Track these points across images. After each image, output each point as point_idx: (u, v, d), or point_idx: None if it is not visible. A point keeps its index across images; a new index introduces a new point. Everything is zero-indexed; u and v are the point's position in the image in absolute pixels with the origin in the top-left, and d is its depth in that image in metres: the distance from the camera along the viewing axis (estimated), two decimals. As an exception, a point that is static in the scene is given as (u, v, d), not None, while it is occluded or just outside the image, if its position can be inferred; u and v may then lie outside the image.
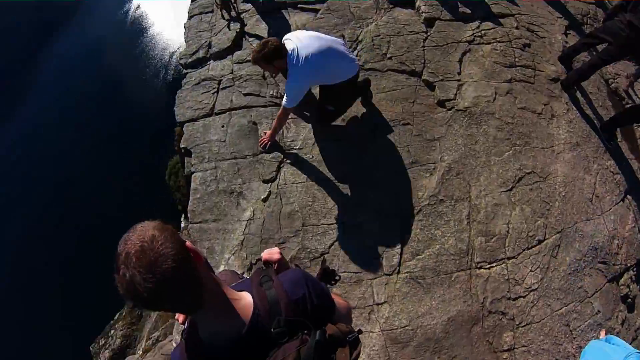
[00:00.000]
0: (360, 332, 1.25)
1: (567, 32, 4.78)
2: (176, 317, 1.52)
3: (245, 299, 1.14)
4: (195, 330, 1.11)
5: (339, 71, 3.15)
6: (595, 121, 4.10)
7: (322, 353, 1.09)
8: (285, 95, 3.10)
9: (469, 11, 4.65)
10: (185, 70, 5.30)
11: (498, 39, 4.34)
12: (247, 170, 3.67)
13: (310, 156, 3.54)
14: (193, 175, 3.86)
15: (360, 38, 4.46)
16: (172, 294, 0.91)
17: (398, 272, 3.02)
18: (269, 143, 3.66)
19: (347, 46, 3.33)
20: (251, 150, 3.79)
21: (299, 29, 4.61)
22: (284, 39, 3.14)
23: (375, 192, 3.32)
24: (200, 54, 5.28)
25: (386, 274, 3.01)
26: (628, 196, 3.86)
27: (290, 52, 2.97)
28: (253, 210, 3.42)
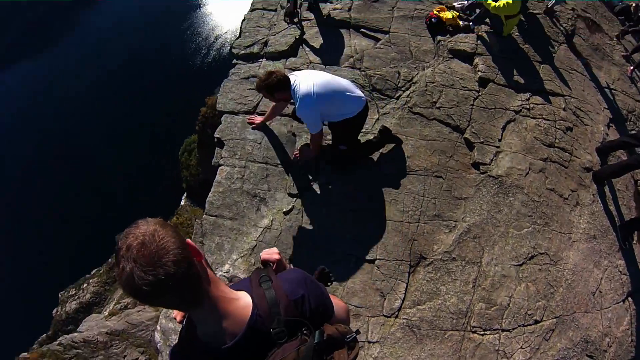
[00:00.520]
0: (358, 332, 1.28)
1: (610, 124, 4.83)
2: (174, 315, 1.52)
3: (244, 299, 1.14)
4: (194, 329, 1.10)
5: (343, 104, 3.21)
6: (616, 218, 4.15)
7: (321, 353, 1.11)
8: (307, 123, 3.26)
9: (522, 81, 4.72)
10: (235, 60, 5.40)
11: (544, 116, 4.41)
12: (276, 178, 3.75)
13: (341, 184, 3.62)
14: (220, 168, 3.93)
15: (414, 80, 4.54)
16: (171, 289, 0.90)
17: (396, 317, 3.10)
18: (304, 160, 3.75)
19: (354, 84, 3.40)
20: (284, 159, 3.88)
21: (353, 53, 4.71)
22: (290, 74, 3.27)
23: (394, 235, 3.40)
24: (255, 49, 5.37)
25: (385, 315, 3.09)
26: (630, 298, 3.90)
27: (292, 84, 3.09)
28: (272, 220, 3.50)
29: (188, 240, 1.01)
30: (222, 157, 4.00)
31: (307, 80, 3.08)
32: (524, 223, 3.69)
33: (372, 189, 3.62)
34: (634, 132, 4.62)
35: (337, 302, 1.41)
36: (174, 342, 1.38)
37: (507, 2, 4.73)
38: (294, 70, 4.87)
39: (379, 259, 3.26)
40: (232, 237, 3.46)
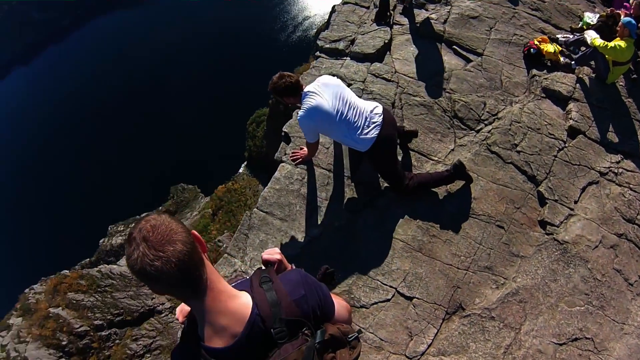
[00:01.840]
0: (360, 332, 1.24)
1: None
2: (177, 315, 1.52)
3: (244, 298, 1.12)
4: (195, 329, 1.09)
5: (344, 138, 3.12)
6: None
7: (323, 353, 1.09)
8: (303, 132, 3.23)
9: (616, 140, 4.18)
10: (318, 53, 5.20)
11: (631, 186, 3.88)
12: (337, 189, 3.62)
13: (400, 211, 3.42)
14: (282, 165, 3.85)
15: (500, 115, 4.15)
16: (177, 270, 0.92)
17: (419, 360, 2.94)
18: (299, 160, 3.66)
19: (369, 119, 3.09)
20: (348, 171, 3.71)
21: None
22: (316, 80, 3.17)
23: (439, 277, 3.20)
24: (341, 45, 5.14)
25: (407, 356, 2.94)
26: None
27: (305, 91, 3.02)
28: (322, 232, 3.39)
29: (193, 231, 1.04)
30: (285, 154, 3.92)
31: (322, 97, 2.99)
32: (578, 300, 3.32)
33: (429, 223, 3.40)
34: None
35: (339, 302, 1.38)
36: None
37: (618, 45, 4.13)
38: (377, 76, 4.62)
39: (417, 298, 3.09)
40: (278, 237, 3.40)
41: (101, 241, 25.38)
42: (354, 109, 3.07)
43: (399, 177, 3.31)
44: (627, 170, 3.99)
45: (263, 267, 1.39)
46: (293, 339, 1.08)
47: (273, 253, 1.48)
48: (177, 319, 1.52)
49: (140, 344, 11.40)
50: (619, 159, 4.05)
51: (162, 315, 12.09)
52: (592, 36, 4.30)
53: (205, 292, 1.02)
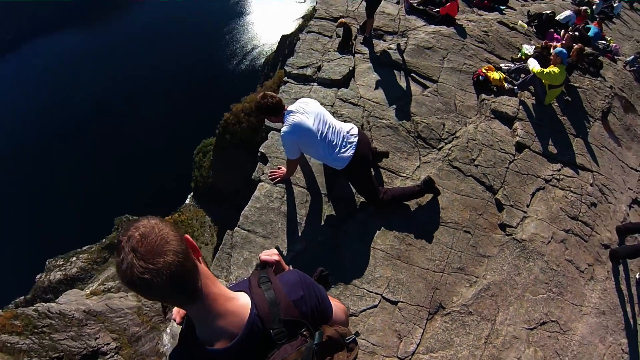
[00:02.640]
0: (357, 334, 1.30)
1: (632, 205, 4.96)
2: (173, 316, 1.53)
3: (242, 299, 1.13)
4: (193, 330, 1.10)
5: (323, 153, 3.34)
6: (626, 298, 4.26)
7: (321, 354, 1.11)
8: (284, 149, 3.41)
9: (556, 151, 4.89)
10: (286, 79, 5.60)
11: (572, 189, 4.56)
12: (316, 206, 3.89)
13: (378, 224, 3.80)
14: (261, 184, 4.05)
15: (457, 134, 4.73)
16: (169, 280, 0.89)
17: (410, 360, 3.26)
18: (278, 179, 3.93)
19: (346, 139, 3.40)
20: (326, 189, 4.04)
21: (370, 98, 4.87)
22: (298, 101, 3.41)
23: (419, 281, 3.57)
24: (309, 71, 5.58)
25: (399, 357, 3.24)
26: (626, 377, 4.00)
27: (288, 110, 3.24)
28: (305, 247, 3.63)
29: (186, 235, 1.01)
30: (263, 174, 4.15)
31: (302, 116, 3.20)
32: (540, 289, 3.84)
33: (404, 233, 3.80)
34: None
35: (335, 304, 1.41)
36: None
37: (552, 71, 4.92)
38: (344, 101, 5.07)
39: (401, 302, 3.43)
40: None
41: (38, 277, 23.39)
42: (332, 128, 3.33)
43: (374, 192, 3.66)
44: (567, 176, 4.70)
45: (260, 268, 1.40)
46: (292, 339, 1.09)
47: (271, 254, 1.49)
48: (174, 320, 1.54)
49: None
50: (559, 167, 4.77)
51: (107, 356, 11.17)
52: (532, 64, 5.10)
53: (201, 297, 1.01)
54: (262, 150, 4.38)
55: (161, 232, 0.92)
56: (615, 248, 4.37)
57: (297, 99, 5.04)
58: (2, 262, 30.88)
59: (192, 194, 27.76)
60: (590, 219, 4.46)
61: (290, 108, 3.30)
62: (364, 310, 3.36)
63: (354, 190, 4.00)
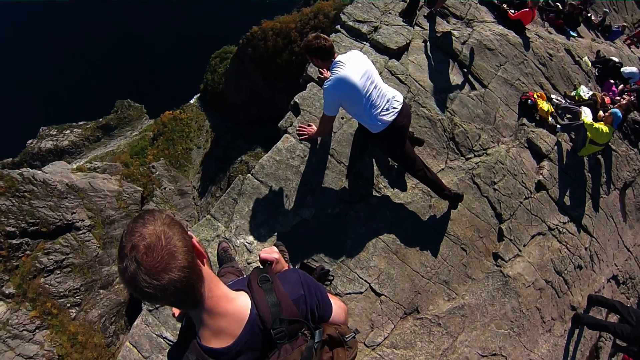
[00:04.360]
0: (357, 332, 1.40)
1: (610, 280, 5.39)
2: (173, 311, 1.57)
3: (243, 299, 1.17)
4: (193, 329, 1.13)
5: (364, 112, 3.25)
6: (570, 358, 4.75)
7: (321, 353, 1.16)
8: (323, 99, 3.27)
9: (568, 204, 5.13)
10: (339, 28, 5.37)
11: (568, 245, 4.87)
12: (334, 176, 3.91)
13: (388, 213, 3.92)
14: (286, 136, 3.97)
15: (489, 151, 4.82)
16: (173, 293, 0.92)
17: (373, 349, 3.53)
18: (305, 137, 3.87)
19: (390, 103, 3.30)
20: (350, 161, 4.05)
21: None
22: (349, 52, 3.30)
23: (406, 280, 3.79)
24: (364, 28, 5.34)
25: (365, 344, 3.50)
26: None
27: (336, 60, 3.13)
28: (313, 215, 3.68)
29: (193, 240, 1.02)
30: (291, 125, 4.06)
31: (351, 69, 3.07)
32: (504, 324, 4.19)
33: (410, 231, 3.94)
34: (624, 297, 5.19)
35: (336, 302, 1.45)
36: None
37: (602, 129, 5.04)
38: (392, 74, 4.96)
39: (385, 296, 3.64)
40: (268, 210, 3.58)
41: (29, 142, 23.46)
42: (378, 89, 3.22)
43: (408, 160, 3.64)
44: (569, 232, 4.99)
45: (261, 266, 1.43)
46: (292, 339, 1.14)
47: (271, 252, 1.51)
48: (173, 314, 1.58)
49: (51, 259, 10.84)
50: (566, 220, 5.03)
51: (80, 232, 11.60)
52: (585, 114, 5.18)
53: (203, 302, 1.04)
54: (297, 100, 4.23)
55: (168, 244, 0.91)
56: (580, 313, 4.79)
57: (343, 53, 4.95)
58: None
59: (198, 95, 27.24)
60: (571, 279, 4.82)
61: (339, 58, 3.15)
62: (350, 293, 3.54)
63: (376, 173, 4.05)
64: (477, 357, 3.97)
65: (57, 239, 11.22)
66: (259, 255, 1.50)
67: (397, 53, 5.23)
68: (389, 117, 3.28)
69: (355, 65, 3.12)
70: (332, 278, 2.98)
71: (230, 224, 3.50)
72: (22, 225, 10.75)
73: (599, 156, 5.73)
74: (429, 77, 5.21)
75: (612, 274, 5.41)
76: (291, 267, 1.55)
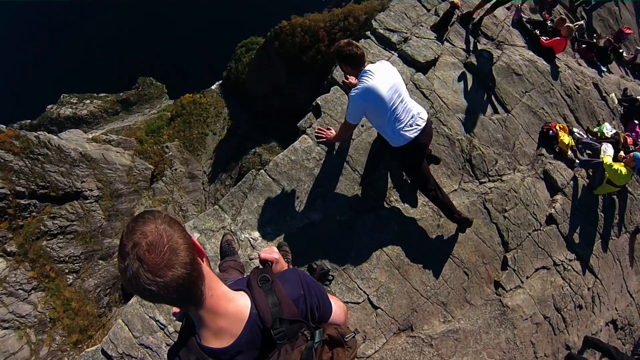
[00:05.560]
0: (357, 332, 1.39)
1: (609, 324, 5.31)
2: (173, 310, 1.57)
3: (242, 299, 1.17)
4: (193, 329, 1.13)
5: (387, 125, 3.23)
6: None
7: (321, 353, 1.16)
8: (347, 107, 3.26)
9: (577, 241, 5.07)
10: (369, 34, 5.35)
11: (571, 284, 4.80)
12: (347, 182, 3.90)
13: (396, 227, 3.89)
14: (304, 136, 3.98)
15: (504, 178, 4.76)
16: (174, 291, 0.93)
17: (361, 360, 3.51)
18: (323, 140, 3.85)
19: (414, 120, 3.28)
20: (364, 169, 4.03)
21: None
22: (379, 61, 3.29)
23: (404, 297, 3.76)
24: (394, 38, 5.33)
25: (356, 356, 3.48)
26: None
27: (366, 69, 3.11)
28: (321, 219, 3.68)
29: (193, 238, 1.03)
30: (310, 126, 4.04)
31: (380, 80, 3.06)
32: (496, 354, 4.14)
33: (415, 248, 3.92)
34: (620, 342, 5.11)
35: (335, 303, 1.45)
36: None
37: (621, 170, 4.96)
38: (417, 87, 4.93)
39: (381, 309, 3.62)
40: (277, 208, 3.58)
41: (49, 107, 23.99)
42: (404, 103, 3.21)
43: (422, 179, 3.63)
44: (574, 270, 4.91)
45: (260, 266, 1.42)
46: (292, 339, 1.13)
47: (271, 252, 1.52)
48: (174, 313, 1.59)
49: (56, 223, 11.04)
50: (572, 258, 4.96)
51: (87, 201, 11.83)
52: (607, 152, 5.10)
53: (203, 301, 1.05)
54: (319, 102, 4.23)
55: (170, 241, 0.92)
56: (574, 354, 4.72)
57: (371, 62, 4.91)
58: (20, 81, 30.57)
59: (220, 82, 27.52)
60: (569, 318, 4.76)
61: (369, 67, 3.13)
62: (347, 302, 3.52)
63: (389, 185, 4.02)
64: (465, 383, 3.93)
65: (64, 205, 11.40)
66: (259, 255, 1.50)
67: (424, 67, 5.20)
68: (412, 134, 3.26)
69: (384, 76, 3.11)
70: (332, 278, 2.96)
71: (237, 217, 3.50)
72: (32, 187, 10.93)
73: (614, 196, 5.64)
74: (453, 95, 5.17)
75: (611, 318, 5.33)
76: (291, 267, 1.55)
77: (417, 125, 3.29)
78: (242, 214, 3.51)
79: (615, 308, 5.42)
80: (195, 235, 3.36)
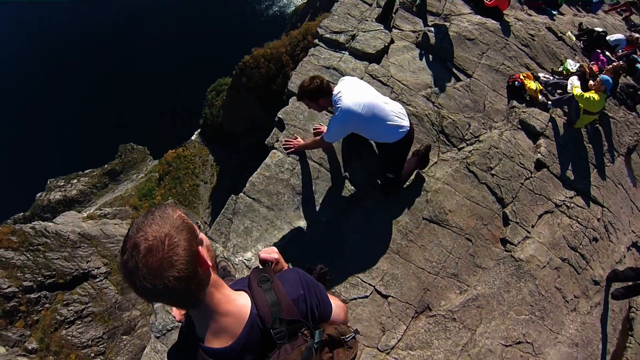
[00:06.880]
0: (357, 332, 1.37)
1: (631, 248, 5.19)
2: (173, 313, 1.59)
3: (242, 299, 1.17)
4: (193, 329, 1.13)
5: (379, 131, 3.35)
6: (600, 335, 4.55)
7: (321, 353, 1.17)
8: (327, 127, 3.33)
9: (573, 178, 5.03)
10: (317, 41, 5.47)
11: (579, 220, 4.73)
12: (325, 184, 3.93)
13: (383, 214, 3.89)
14: (273, 152, 4.05)
15: (481, 138, 4.77)
16: (168, 297, 0.94)
17: (388, 353, 3.45)
18: (292, 150, 3.93)
19: (400, 111, 3.45)
20: (340, 168, 4.07)
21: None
22: (340, 80, 3.39)
23: (413, 279, 3.73)
24: (342, 38, 5.44)
25: (378, 349, 3.43)
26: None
27: (335, 93, 3.19)
28: (308, 225, 3.69)
29: (199, 248, 1.01)
30: (277, 141, 4.13)
31: (353, 95, 3.15)
32: (524, 310, 4.06)
33: (410, 229, 3.90)
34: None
35: (335, 302, 1.46)
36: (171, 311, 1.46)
37: (593, 97, 4.96)
38: (374, 77, 5.01)
39: (392, 297, 3.58)
40: (263, 226, 3.63)
41: (38, 195, 24.34)
42: (385, 104, 3.34)
43: (400, 175, 3.75)
44: (577, 206, 4.85)
45: (260, 266, 1.43)
46: (292, 339, 1.13)
47: (271, 252, 1.53)
48: (174, 317, 1.61)
49: (71, 310, 11.03)
50: (572, 194, 4.91)
51: (97, 280, 11.84)
52: (574, 84, 5.11)
53: (204, 302, 1.05)
54: (281, 116, 4.31)
55: (170, 250, 0.91)
56: (617, 271, 4.59)
57: (325, 66, 5.03)
58: (4, 177, 31.37)
59: (199, 130, 28.00)
60: (588, 253, 4.66)
61: (338, 89, 3.23)
62: (355, 299, 3.50)
63: (367, 175, 4.04)
64: (501, 347, 3.84)
65: (75, 289, 11.43)
66: (259, 256, 1.51)
67: (376, 57, 5.30)
68: (406, 122, 3.43)
69: (356, 94, 3.19)
70: (331, 278, 2.93)
71: (227, 244, 3.53)
72: (39, 278, 11.00)
73: (597, 125, 5.61)
74: (411, 75, 5.24)
75: (630, 242, 5.22)
76: (290, 266, 1.55)
77: (402, 120, 3.42)
78: (231, 238, 3.55)
79: (632, 231, 5.31)
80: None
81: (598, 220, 4.92)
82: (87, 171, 26.94)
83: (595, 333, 4.49)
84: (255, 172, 3.92)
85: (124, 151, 27.34)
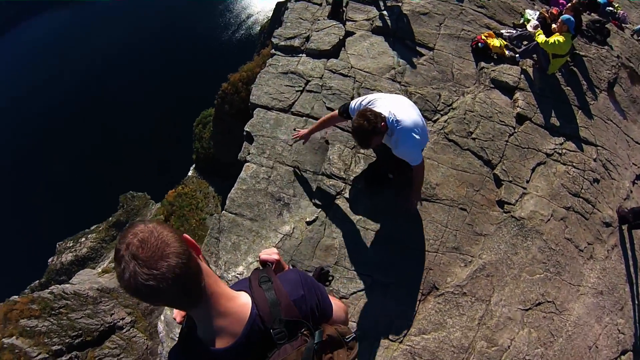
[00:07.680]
0: (357, 332, 1.36)
1: (636, 181, 4.96)
2: (174, 316, 1.55)
3: (243, 299, 1.16)
4: (193, 329, 1.12)
5: (425, 138, 3.11)
6: (624, 278, 4.30)
7: (321, 354, 1.14)
8: (411, 156, 3.07)
9: (558, 124, 4.84)
10: (274, 51, 5.43)
11: (574, 164, 4.53)
12: (304, 185, 3.86)
13: (368, 202, 3.75)
14: (247, 165, 4.02)
15: (454, 105, 4.64)
16: (173, 283, 0.91)
17: (400, 342, 3.27)
18: (302, 140, 3.74)
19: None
20: (314, 166, 3.98)
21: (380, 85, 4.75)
22: (372, 104, 3.01)
23: (412, 262, 3.56)
24: (296, 42, 5.40)
25: (390, 339, 3.25)
26: (622, 356, 4.08)
27: (389, 120, 2.86)
28: (293, 228, 3.62)
29: (185, 235, 1.03)
30: (249, 154, 4.08)
31: (404, 115, 2.91)
32: (537, 269, 3.85)
33: (397, 212, 3.73)
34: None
35: (335, 303, 1.45)
36: (177, 335, 1.43)
37: (557, 40, 4.81)
38: (334, 72, 4.92)
39: (393, 284, 3.41)
40: (250, 238, 3.57)
41: (50, 260, 24.58)
42: (414, 107, 3.13)
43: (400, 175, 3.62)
44: (570, 151, 4.66)
45: (261, 267, 1.42)
46: (292, 339, 1.12)
47: (271, 253, 1.51)
48: (175, 319, 1.55)
49: None
50: (562, 140, 4.72)
51: (124, 330, 11.87)
52: (536, 31, 4.97)
53: (204, 298, 1.04)
54: (248, 129, 4.29)
55: (160, 235, 0.93)
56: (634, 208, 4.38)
57: (283, 72, 4.95)
58: (15, 250, 31.95)
59: (194, 165, 28.16)
60: (592, 196, 4.45)
61: (395, 117, 2.87)
62: (355, 292, 3.36)
63: (343, 167, 3.91)
64: (520, 313, 3.63)
65: (105, 344, 11.48)
66: (259, 257, 1.50)
67: (333, 52, 5.25)
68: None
69: (408, 113, 2.96)
70: (332, 278, 2.83)
71: (218, 262, 3.47)
72: (67, 340, 11.04)
73: (572, 67, 5.44)
74: (372, 62, 5.16)
75: (634, 175, 4.98)
76: (291, 267, 1.54)
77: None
78: (221, 256, 3.49)
79: (633, 163, 5.08)
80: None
81: (594, 160, 4.71)
82: (92, 227, 27.11)
83: (618, 277, 4.25)
84: (233, 188, 3.88)
85: (125, 200, 27.54)
